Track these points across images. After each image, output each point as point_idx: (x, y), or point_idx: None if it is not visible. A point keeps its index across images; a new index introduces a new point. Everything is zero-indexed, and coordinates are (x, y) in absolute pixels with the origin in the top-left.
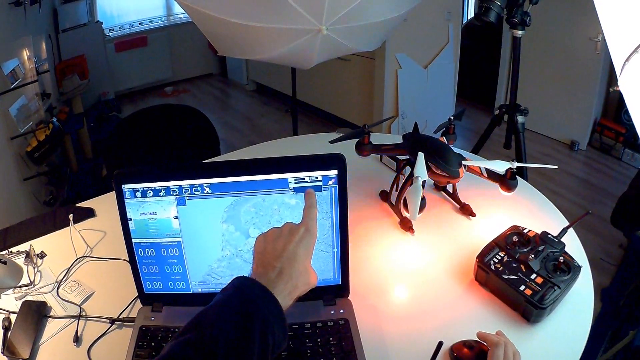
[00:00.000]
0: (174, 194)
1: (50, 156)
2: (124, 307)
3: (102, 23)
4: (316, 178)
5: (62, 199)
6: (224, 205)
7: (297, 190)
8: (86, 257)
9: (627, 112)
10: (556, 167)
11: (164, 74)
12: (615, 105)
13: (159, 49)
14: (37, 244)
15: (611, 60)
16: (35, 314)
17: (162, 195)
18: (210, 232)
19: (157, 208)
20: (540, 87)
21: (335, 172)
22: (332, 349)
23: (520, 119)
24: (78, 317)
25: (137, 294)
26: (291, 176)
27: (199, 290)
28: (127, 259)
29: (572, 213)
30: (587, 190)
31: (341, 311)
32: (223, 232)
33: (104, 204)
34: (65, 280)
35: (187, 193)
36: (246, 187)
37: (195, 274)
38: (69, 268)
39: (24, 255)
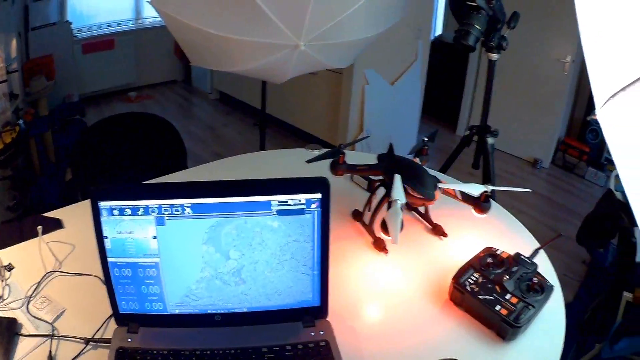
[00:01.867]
0: (153, 214)
1: (16, 160)
2: (98, 325)
3: (71, 23)
4: (299, 201)
5: (27, 204)
6: (205, 227)
7: (279, 213)
8: (56, 271)
9: (591, 131)
10: (529, 190)
11: (128, 78)
12: (579, 124)
13: (125, 53)
14: (4, 255)
15: (579, 81)
16: (6, 331)
17: (141, 214)
18: (190, 253)
19: (135, 227)
20: (506, 106)
21: (319, 195)
22: None
23: (490, 140)
24: (51, 337)
25: (110, 313)
26: (275, 199)
27: (177, 311)
28: (99, 276)
29: (538, 231)
30: (551, 208)
31: (321, 332)
32: (203, 254)
33: (72, 215)
34: (35, 295)
35: (166, 213)
36: (228, 208)
37: (172, 295)
38: (39, 283)
39: None
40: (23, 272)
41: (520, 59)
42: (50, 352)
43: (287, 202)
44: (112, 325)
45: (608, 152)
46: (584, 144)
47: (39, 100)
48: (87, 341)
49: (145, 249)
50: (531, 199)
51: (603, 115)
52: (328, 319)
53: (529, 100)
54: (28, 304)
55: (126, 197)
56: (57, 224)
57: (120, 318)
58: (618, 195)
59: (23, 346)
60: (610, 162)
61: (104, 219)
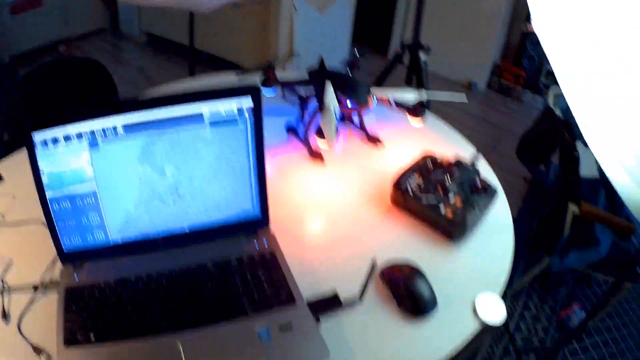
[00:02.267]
0: (87, 139)
1: None
2: (45, 270)
3: None
4: (231, 110)
5: None
6: (139, 145)
7: (212, 124)
8: None
9: (527, 57)
10: (465, 101)
11: (57, 33)
12: (515, 49)
13: (52, 8)
14: None
15: (514, 8)
16: None
17: (74, 142)
18: (126, 175)
19: (70, 156)
20: (439, 28)
21: (250, 103)
22: (263, 280)
23: (422, 56)
24: (1, 291)
25: (55, 256)
26: (206, 109)
27: (119, 239)
28: (42, 221)
29: (477, 148)
30: (488, 128)
31: (264, 243)
32: (139, 174)
33: (9, 167)
34: None
35: (100, 137)
36: (161, 124)
37: (113, 222)
38: None
39: None
40: None
41: None
42: (3, 307)
43: (219, 112)
44: (60, 266)
45: (545, 76)
46: (520, 69)
47: None
48: (35, 288)
49: (82, 178)
50: (467, 120)
51: (538, 24)
52: (272, 232)
53: (463, 23)
54: None
55: (58, 123)
56: None
57: (65, 256)
58: (557, 111)
59: None
60: (548, 86)
61: (39, 152)
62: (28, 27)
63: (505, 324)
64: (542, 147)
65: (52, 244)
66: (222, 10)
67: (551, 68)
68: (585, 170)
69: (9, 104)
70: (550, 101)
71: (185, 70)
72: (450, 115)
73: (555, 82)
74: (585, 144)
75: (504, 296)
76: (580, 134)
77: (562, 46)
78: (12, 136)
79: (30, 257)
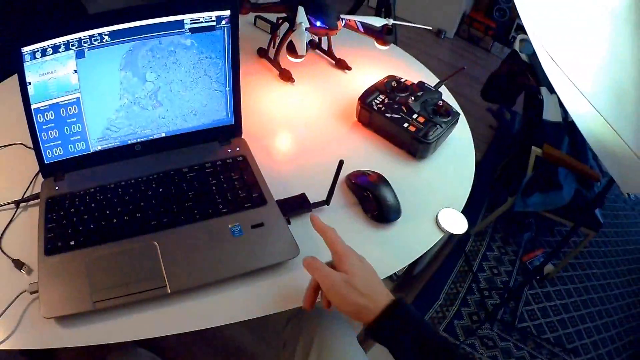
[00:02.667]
0: (73, 47)
1: None
2: (27, 187)
3: None
4: (210, 18)
5: None
6: (122, 52)
7: (192, 30)
8: None
9: (498, 10)
10: (430, 27)
11: None
12: (486, 1)
13: None
14: None
15: None
16: None
17: (62, 51)
18: (109, 82)
19: (57, 65)
20: None
21: (228, 12)
22: (236, 183)
23: None
24: None
25: (36, 172)
26: (187, 17)
27: (99, 147)
28: (21, 142)
29: (438, 79)
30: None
31: (237, 149)
32: (121, 80)
33: None
34: None
35: (86, 44)
36: (143, 31)
37: (94, 130)
38: None
39: None
40: None
41: None
42: None
43: (199, 19)
44: (41, 183)
45: (516, 30)
46: (490, 20)
47: None
48: (17, 203)
49: (67, 87)
50: (434, 64)
51: None
52: (243, 138)
53: None
54: None
55: (47, 36)
56: None
57: (47, 169)
58: (523, 56)
59: None
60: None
61: (27, 64)
62: None
63: (469, 263)
64: (507, 88)
65: (32, 164)
66: None
67: (521, 22)
68: (549, 115)
69: None
70: (517, 46)
71: None
72: (417, 59)
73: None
74: (551, 90)
75: (468, 233)
76: (545, 79)
77: None
78: None
79: (12, 178)
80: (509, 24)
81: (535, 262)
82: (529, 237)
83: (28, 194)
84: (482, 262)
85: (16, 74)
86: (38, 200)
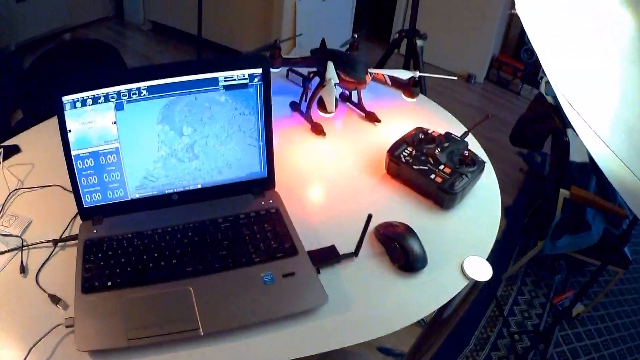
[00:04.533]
0: (113, 99)
1: None
2: (64, 228)
3: None
4: (243, 76)
5: None
6: (159, 106)
7: (226, 88)
8: (19, 189)
9: (526, 50)
10: (455, 77)
11: (61, 20)
12: (514, 43)
13: None
14: None
15: (513, 1)
16: None
17: (101, 102)
18: (147, 134)
19: (96, 116)
20: (439, 21)
21: (260, 70)
22: (269, 233)
23: (419, 42)
24: (20, 248)
25: (74, 214)
26: (221, 75)
27: (137, 195)
28: (61, 185)
29: (465, 129)
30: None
31: (270, 201)
32: (159, 133)
33: (27, 139)
34: (2, 216)
35: (125, 97)
36: (180, 87)
37: (132, 179)
38: (4, 203)
39: None
40: None
41: None
42: (22, 262)
43: (232, 77)
44: (78, 224)
45: (543, 71)
46: (518, 62)
47: None
48: (55, 242)
49: (106, 136)
50: (465, 110)
51: (520, 6)
52: (276, 190)
53: (462, 15)
54: None
55: (88, 87)
56: (15, 149)
57: (85, 212)
58: (549, 99)
59: None
60: (543, 77)
61: (68, 112)
62: (33, 15)
63: (500, 308)
64: (534, 132)
65: (69, 205)
66: None
67: None
68: (576, 156)
69: (20, 87)
70: (542, 88)
71: (191, 57)
72: (448, 106)
73: None
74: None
75: (499, 278)
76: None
77: (542, 25)
78: (25, 115)
79: (49, 217)
80: (537, 65)
81: (566, 303)
82: (559, 278)
83: (66, 234)
84: (513, 306)
85: (56, 117)
86: (76, 241)
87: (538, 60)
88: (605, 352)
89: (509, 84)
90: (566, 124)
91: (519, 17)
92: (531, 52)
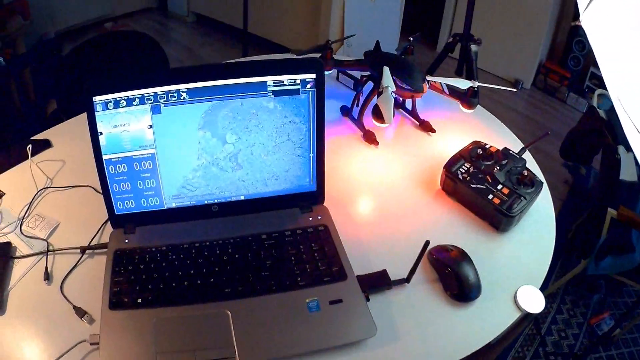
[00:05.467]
0: (149, 102)
1: (0, 98)
2: (93, 234)
3: None
4: (295, 81)
5: (10, 142)
6: (201, 111)
7: (275, 93)
8: (47, 188)
9: (573, 58)
10: (515, 90)
11: (103, 10)
12: (561, 50)
13: None
14: None
15: (561, 8)
16: (1, 258)
17: (136, 105)
18: (186, 140)
19: (130, 119)
20: (488, 25)
21: (313, 75)
22: (316, 254)
23: (473, 47)
24: (46, 252)
25: (104, 220)
26: (270, 79)
27: (173, 205)
28: (92, 185)
29: (521, 143)
30: (533, 127)
31: (319, 217)
32: (199, 140)
33: (59, 134)
34: (28, 215)
35: (162, 100)
36: (224, 91)
37: (169, 187)
38: (31, 202)
39: None
40: (14, 197)
41: None
42: (47, 268)
43: (282, 82)
44: (108, 231)
45: (590, 79)
46: (565, 70)
47: (16, 40)
48: (83, 250)
49: (141, 141)
50: (512, 117)
51: (587, 19)
52: (325, 205)
53: (511, 20)
54: (21, 225)
55: (121, 88)
56: (45, 144)
57: (117, 220)
58: (601, 112)
59: (19, 269)
60: (592, 90)
61: (99, 114)
62: (73, 3)
63: (538, 327)
64: (585, 147)
65: (100, 209)
66: None
67: (596, 71)
68: (626, 175)
69: (56, 78)
70: (594, 101)
71: (235, 51)
72: (495, 111)
73: (600, 87)
74: (628, 148)
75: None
76: (623, 138)
77: (610, 42)
78: (60, 106)
79: (78, 221)
80: (584, 73)
81: (602, 325)
82: (598, 298)
83: (95, 241)
84: (550, 325)
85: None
86: (105, 250)
87: (584, 68)
88: None
89: (555, 91)
90: (618, 140)
91: (567, 25)
92: (578, 60)
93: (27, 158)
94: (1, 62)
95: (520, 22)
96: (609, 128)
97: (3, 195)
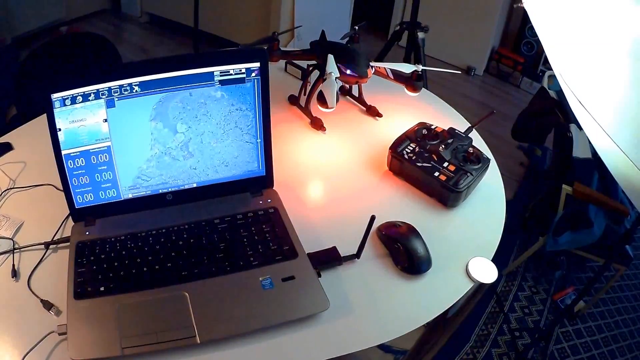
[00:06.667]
0: (104, 97)
1: None
2: (56, 229)
3: None
4: (240, 70)
5: None
6: (152, 103)
7: (222, 83)
8: (10, 189)
9: (526, 43)
10: (459, 72)
11: (57, 14)
12: (514, 36)
13: None
14: None
15: None
16: None
17: (92, 100)
18: (139, 132)
19: (87, 114)
20: (439, 13)
21: (257, 64)
22: (267, 235)
23: (420, 35)
24: (12, 251)
25: (66, 215)
26: (217, 69)
27: (130, 195)
28: (53, 184)
29: (469, 124)
30: (485, 112)
31: (269, 201)
32: (152, 131)
33: (19, 137)
34: None
35: (116, 94)
36: (174, 82)
37: (125, 178)
38: None
39: None
40: None
41: None
42: (13, 265)
43: (228, 72)
44: (70, 225)
45: (544, 64)
46: (518, 55)
47: None
48: (47, 245)
49: (97, 134)
50: (464, 102)
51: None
52: (276, 191)
53: (462, 7)
54: None
55: (77, 84)
56: (6, 147)
57: (77, 213)
58: (552, 93)
59: None
60: (546, 72)
61: (57, 110)
62: (29, 8)
63: (500, 304)
64: (536, 127)
65: (61, 205)
66: None
67: None
68: (579, 152)
69: (14, 83)
70: (545, 82)
71: (188, 49)
72: (447, 97)
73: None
74: (579, 126)
75: (500, 274)
76: (574, 116)
77: (549, 20)
78: (20, 110)
79: (41, 219)
80: (537, 58)
81: (567, 300)
82: (560, 275)
83: (58, 236)
84: (513, 303)
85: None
86: (68, 244)
87: (538, 53)
88: (606, 349)
89: (509, 76)
90: (569, 119)
91: (520, 11)
92: (531, 45)
93: None
94: None
95: (471, 8)
96: (560, 107)
97: None
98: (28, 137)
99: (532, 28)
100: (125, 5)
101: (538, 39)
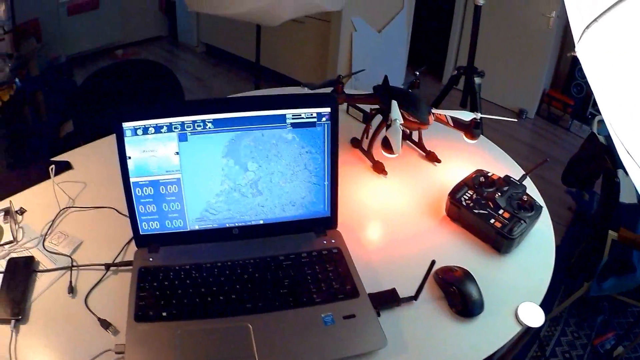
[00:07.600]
0: (176, 130)
1: (14, 118)
2: (116, 253)
3: None
4: (311, 115)
5: (26, 160)
6: (225, 140)
7: (293, 125)
8: (70, 207)
9: (576, 85)
10: (515, 120)
11: (114, 37)
12: (564, 78)
13: (109, 11)
14: (15, 200)
15: (563, 37)
16: (24, 270)
17: (164, 132)
18: (210, 167)
19: (158, 145)
20: (492, 57)
21: (328, 109)
22: (330, 274)
23: (477, 80)
24: (70, 267)
25: (127, 240)
26: (289, 112)
27: (196, 227)
28: (114, 207)
29: (523, 171)
30: (536, 156)
31: (332, 241)
32: (223, 167)
33: (79, 157)
34: (51, 232)
35: (189, 129)
36: (247, 122)
37: (193, 210)
38: (54, 220)
39: (2, 213)
40: (36, 214)
41: (508, 12)
42: (71, 282)
43: (300, 115)
44: (131, 250)
45: (593, 106)
46: (568, 97)
47: (29, 62)
48: (107, 266)
49: (168, 166)
50: (516, 146)
51: (581, 49)
52: (338, 231)
53: (514, 52)
54: (44, 241)
55: (150, 116)
56: (66, 166)
57: (141, 239)
58: (601, 138)
59: (42, 282)
60: (595, 116)
61: (128, 139)
62: (85, 29)
63: (542, 349)
64: (585, 172)
65: (122, 229)
66: (286, 26)
67: None
68: (626, 198)
69: (71, 102)
70: (594, 127)
71: (245, 83)
72: (500, 141)
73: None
74: (626, 172)
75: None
76: (622, 162)
77: (601, 70)
78: (76, 128)
79: (100, 240)
80: (587, 99)
81: (606, 345)
82: (602, 319)
83: (119, 259)
84: (555, 347)
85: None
86: (129, 267)
87: (587, 95)
88: None
89: (559, 119)
90: (617, 164)
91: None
92: (581, 87)
93: (47, 178)
94: (17, 83)
95: (522, 52)
96: (608, 153)
97: (24, 212)
98: (87, 157)
99: (581, 69)
100: (182, 34)
101: (587, 80)
